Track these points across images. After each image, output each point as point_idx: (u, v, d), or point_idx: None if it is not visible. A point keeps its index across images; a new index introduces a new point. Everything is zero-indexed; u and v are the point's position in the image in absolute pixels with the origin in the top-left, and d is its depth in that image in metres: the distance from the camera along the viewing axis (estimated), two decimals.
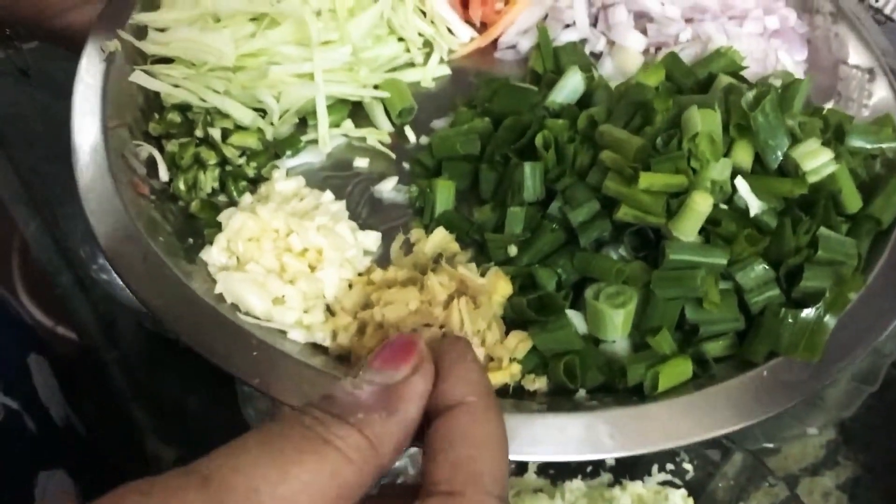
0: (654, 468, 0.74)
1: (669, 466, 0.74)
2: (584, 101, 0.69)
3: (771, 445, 0.79)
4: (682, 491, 0.71)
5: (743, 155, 0.60)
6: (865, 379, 0.78)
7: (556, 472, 0.75)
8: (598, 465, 0.76)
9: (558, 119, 0.65)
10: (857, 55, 0.75)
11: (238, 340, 0.55)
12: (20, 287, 1.24)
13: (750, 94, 0.60)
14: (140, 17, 0.72)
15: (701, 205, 0.56)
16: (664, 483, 0.73)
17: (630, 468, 0.75)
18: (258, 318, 0.57)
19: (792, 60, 0.77)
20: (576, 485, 0.73)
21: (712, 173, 0.58)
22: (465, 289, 0.58)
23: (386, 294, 0.58)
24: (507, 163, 0.65)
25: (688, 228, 0.57)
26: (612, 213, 0.59)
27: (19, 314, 0.95)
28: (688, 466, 0.72)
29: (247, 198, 0.66)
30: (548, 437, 0.52)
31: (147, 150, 0.67)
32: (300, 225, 0.61)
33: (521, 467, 0.76)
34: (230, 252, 0.61)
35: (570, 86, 0.68)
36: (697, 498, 0.70)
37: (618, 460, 0.74)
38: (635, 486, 0.72)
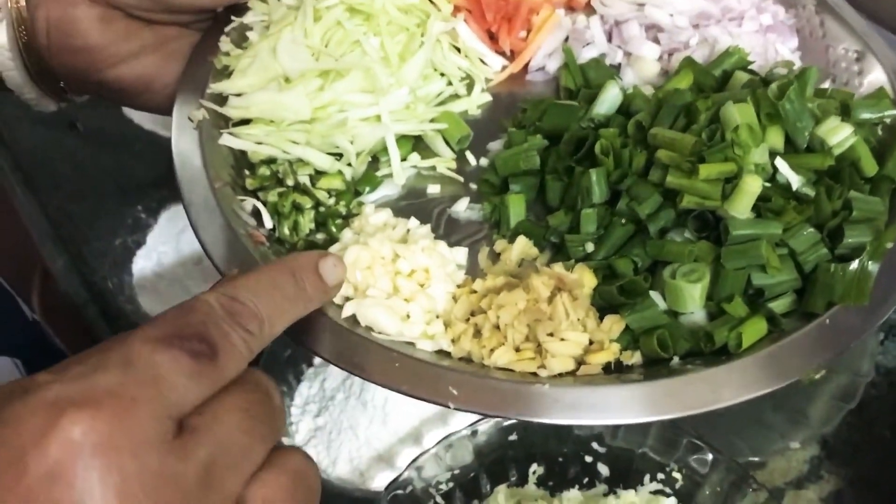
0: (647, 478, 0.83)
1: (660, 476, 0.82)
2: (623, 111, 0.79)
3: (757, 459, 0.87)
4: (672, 499, 0.80)
5: (776, 138, 0.70)
6: (845, 397, 0.86)
7: (555, 484, 0.83)
8: (594, 477, 0.84)
9: (608, 128, 0.75)
10: (844, 39, 0.86)
11: (382, 356, 0.63)
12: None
13: (775, 86, 0.70)
14: (217, 87, 0.80)
15: (752, 185, 0.66)
16: (656, 492, 0.81)
17: (623, 478, 0.83)
18: (391, 335, 0.66)
19: (788, 50, 0.87)
20: (573, 494, 0.82)
21: (755, 157, 0.68)
22: (563, 285, 0.67)
23: (496, 299, 0.67)
24: (569, 172, 0.74)
25: (742, 207, 0.66)
26: (674, 203, 0.69)
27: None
28: (677, 475, 0.80)
29: (347, 233, 0.74)
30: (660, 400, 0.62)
31: (250, 202, 0.75)
32: (407, 249, 0.69)
33: (522, 478, 0.85)
34: (346, 282, 0.69)
35: (610, 98, 0.78)
36: None
37: (611, 472, 0.83)
38: (628, 495, 0.80)
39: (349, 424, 0.94)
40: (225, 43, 0.84)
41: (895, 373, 0.81)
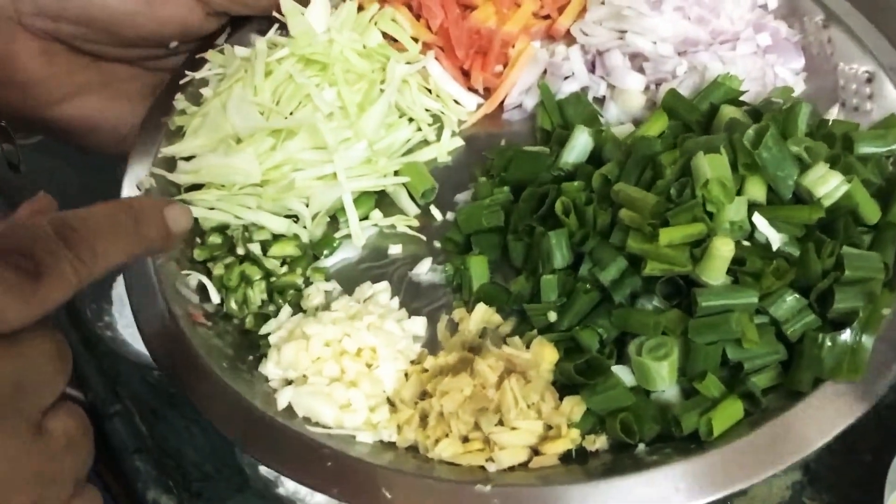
0: None
1: None
2: (595, 155, 0.72)
3: None
4: None
5: (756, 189, 0.62)
6: None
7: None
8: None
9: (573, 181, 0.68)
10: (854, 58, 0.77)
11: (312, 454, 0.58)
12: None
13: (751, 132, 0.62)
14: (168, 150, 0.77)
15: (723, 250, 0.58)
16: None
17: None
18: (328, 427, 0.61)
19: (790, 72, 0.78)
20: None
21: (729, 215, 0.60)
22: (514, 366, 0.61)
23: (441, 384, 0.61)
24: (531, 232, 0.68)
25: (714, 273, 0.59)
26: (640, 268, 0.62)
27: None
28: None
29: (284, 311, 0.69)
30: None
31: (196, 277, 0.71)
32: (351, 327, 0.64)
33: None
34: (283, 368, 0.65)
35: (580, 145, 0.71)
36: None
37: None
38: None
39: None
40: (180, 101, 0.81)
41: None
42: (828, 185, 0.61)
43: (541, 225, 0.67)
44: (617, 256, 0.62)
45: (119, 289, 1.07)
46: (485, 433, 0.59)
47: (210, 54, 0.82)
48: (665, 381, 0.59)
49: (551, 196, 0.67)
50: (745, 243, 0.61)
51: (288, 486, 0.94)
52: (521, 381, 0.60)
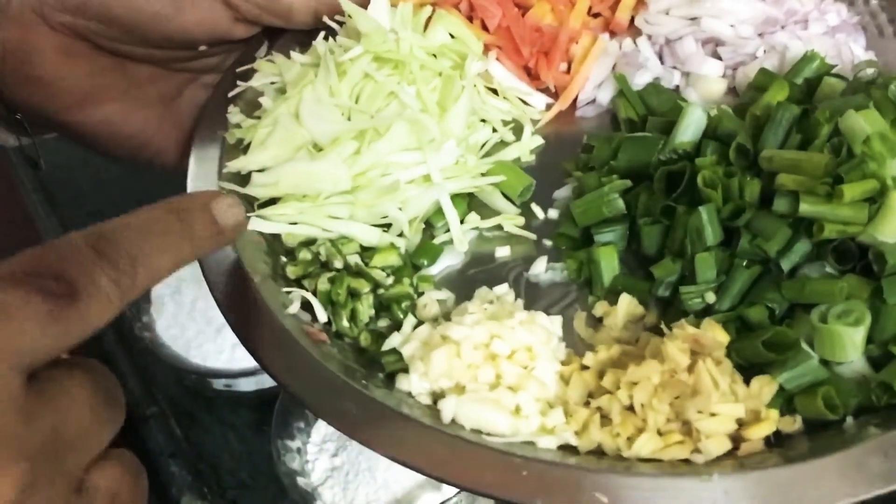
0: None
1: None
2: (708, 136, 0.68)
3: None
4: None
5: None
6: None
7: None
8: None
9: (701, 157, 0.65)
10: None
11: (506, 466, 0.51)
12: None
13: (893, 87, 0.61)
14: (235, 165, 0.69)
15: None
16: None
17: None
18: (505, 436, 0.54)
19: (861, 49, 0.78)
20: None
21: (893, 170, 0.57)
22: (701, 348, 0.56)
23: (624, 375, 0.55)
24: (667, 213, 0.64)
25: (893, 230, 0.56)
26: (807, 235, 0.58)
27: None
28: None
29: (409, 321, 0.62)
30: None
31: (298, 294, 0.63)
32: (503, 327, 0.57)
33: None
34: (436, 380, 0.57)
35: (694, 122, 0.68)
36: None
37: None
38: None
39: (367, 466, 0.90)
40: (234, 114, 0.73)
41: None
42: None
43: (678, 204, 0.63)
44: (781, 225, 0.59)
45: (160, 289, 1.03)
46: (690, 421, 0.53)
47: (259, 63, 0.75)
48: (858, 349, 0.55)
49: (687, 174, 0.63)
50: None
51: (325, 498, 0.87)
52: (713, 362, 0.55)
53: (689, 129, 0.68)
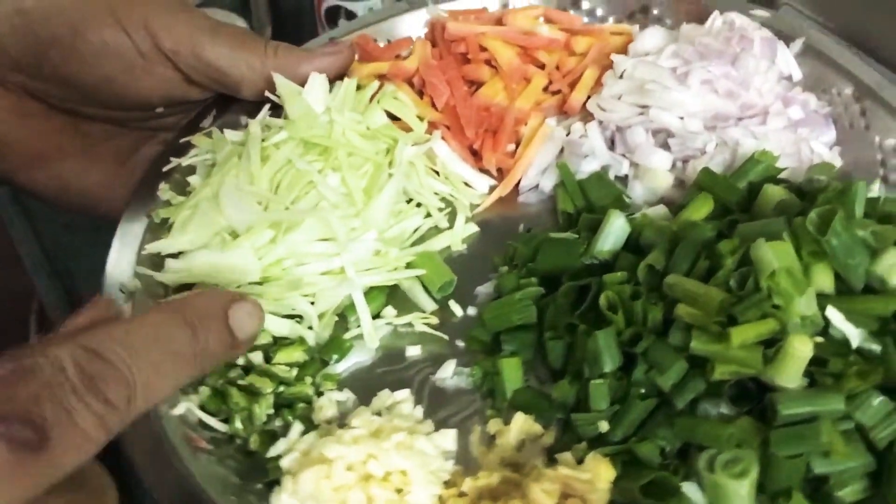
0: None
1: None
2: (631, 241, 0.65)
3: None
4: None
5: (823, 279, 0.56)
6: None
7: None
8: None
9: (610, 271, 0.62)
10: (892, 130, 0.72)
11: None
12: None
13: (814, 216, 0.57)
14: (153, 247, 0.69)
15: (801, 349, 0.52)
16: None
17: None
18: None
19: (824, 147, 0.74)
20: None
21: (800, 309, 0.54)
22: (572, 490, 0.53)
23: None
24: (572, 330, 0.61)
25: (791, 375, 0.53)
26: (702, 370, 0.55)
27: None
28: None
29: (295, 430, 0.61)
30: None
31: (190, 401, 0.62)
32: (378, 447, 0.56)
33: None
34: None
35: (615, 231, 0.65)
36: None
37: None
38: None
39: None
40: (164, 191, 0.73)
41: None
42: None
43: (582, 322, 0.60)
44: (677, 358, 0.56)
45: None
46: None
47: (196, 138, 0.75)
48: (745, 501, 0.52)
49: (593, 290, 0.61)
50: (818, 339, 0.55)
51: None
52: None
53: (610, 237, 0.65)
